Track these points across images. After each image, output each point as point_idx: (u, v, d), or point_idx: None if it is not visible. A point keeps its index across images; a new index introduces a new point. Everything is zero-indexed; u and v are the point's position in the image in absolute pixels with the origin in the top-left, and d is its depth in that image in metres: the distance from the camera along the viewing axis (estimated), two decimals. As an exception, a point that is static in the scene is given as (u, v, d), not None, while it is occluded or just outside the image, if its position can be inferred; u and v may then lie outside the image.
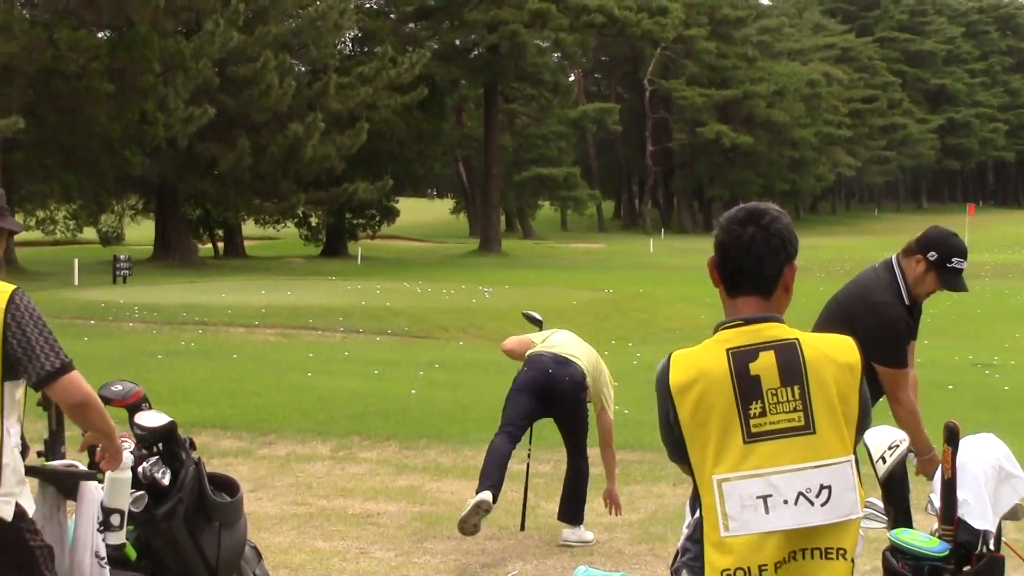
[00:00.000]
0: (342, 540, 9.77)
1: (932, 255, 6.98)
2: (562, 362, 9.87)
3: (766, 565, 3.78)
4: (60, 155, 48.45)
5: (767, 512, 3.79)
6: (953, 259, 6.99)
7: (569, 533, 9.88)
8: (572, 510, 9.97)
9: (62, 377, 4.98)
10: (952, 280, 7.01)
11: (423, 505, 9.89)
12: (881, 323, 6.94)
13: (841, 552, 3.83)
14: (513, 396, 9.94)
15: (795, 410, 3.82)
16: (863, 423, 3.94)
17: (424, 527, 9.87)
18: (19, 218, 52.88)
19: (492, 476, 9.42)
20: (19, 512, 4.97)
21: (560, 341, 10.25)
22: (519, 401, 9.88)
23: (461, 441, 13.70)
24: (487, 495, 9.15)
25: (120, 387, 6.16)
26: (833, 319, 6.98)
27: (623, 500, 11.20)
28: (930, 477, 6.86)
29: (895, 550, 5.31)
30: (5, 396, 4.99)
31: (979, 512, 5.36)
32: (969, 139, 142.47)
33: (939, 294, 7.25)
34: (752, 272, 3.93)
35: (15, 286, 5.03)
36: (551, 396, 9.83)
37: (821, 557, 3.81)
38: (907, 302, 7.07)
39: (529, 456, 10.45)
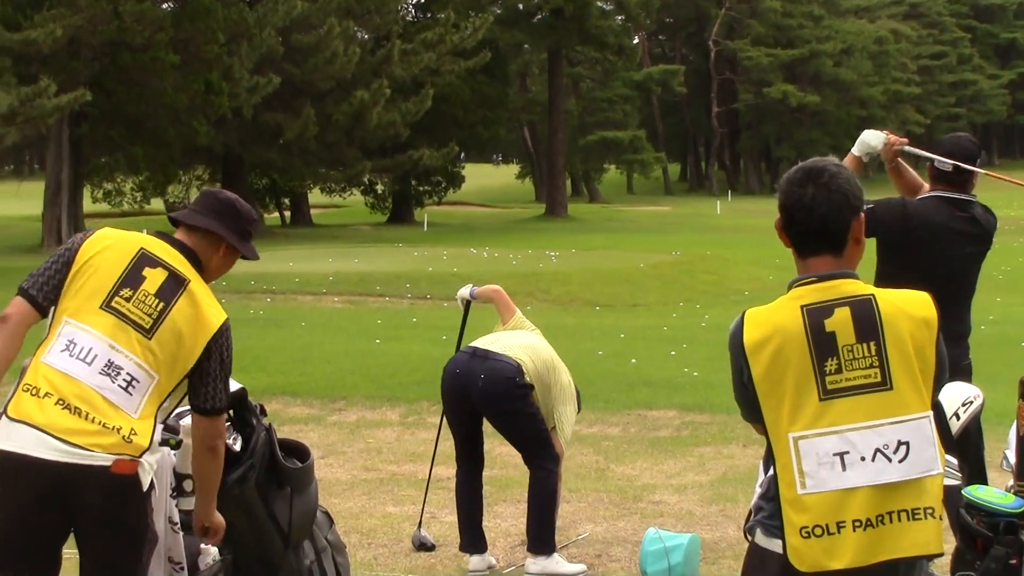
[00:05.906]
0: (412, 505, 9.80)
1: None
2: (481, 356, 8.14)
3: (844, 522, 3.73)
4: (126, 127, 48.69)
5: (844, 469, 3.75)
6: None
7: (533, 564, 8.12)
8: (537, 535, 8.17)
9: (214, 417, 5.16)
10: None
11: (492, 469, 9.86)
12: None
13: (929, 511, 3.78)
14: (445, 415, 8.76)
15: (871, 366, 3.78)
16: (940, 378, 3.89)
17: (493, 491, 9.85)
18: (86, 191, 53.40)
19: (469, 532, 8.40)
20: (152, 486, 5.01)
21: (497, 336, 8.51)
22: (449, 419, 8.64)
23: (530, 405, 13.67)
24: (478, 562, 8.27)
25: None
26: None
27: (694, 461, 11.18)
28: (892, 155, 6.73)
29: (970, 507, 5.27)
30: (178, 388, 5.10)
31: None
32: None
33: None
34: (819, 231, 3.90)
35: (226, 316, 5.18)
36: (470, 400, 8.20)
37: (909, 519, 3.76)
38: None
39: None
